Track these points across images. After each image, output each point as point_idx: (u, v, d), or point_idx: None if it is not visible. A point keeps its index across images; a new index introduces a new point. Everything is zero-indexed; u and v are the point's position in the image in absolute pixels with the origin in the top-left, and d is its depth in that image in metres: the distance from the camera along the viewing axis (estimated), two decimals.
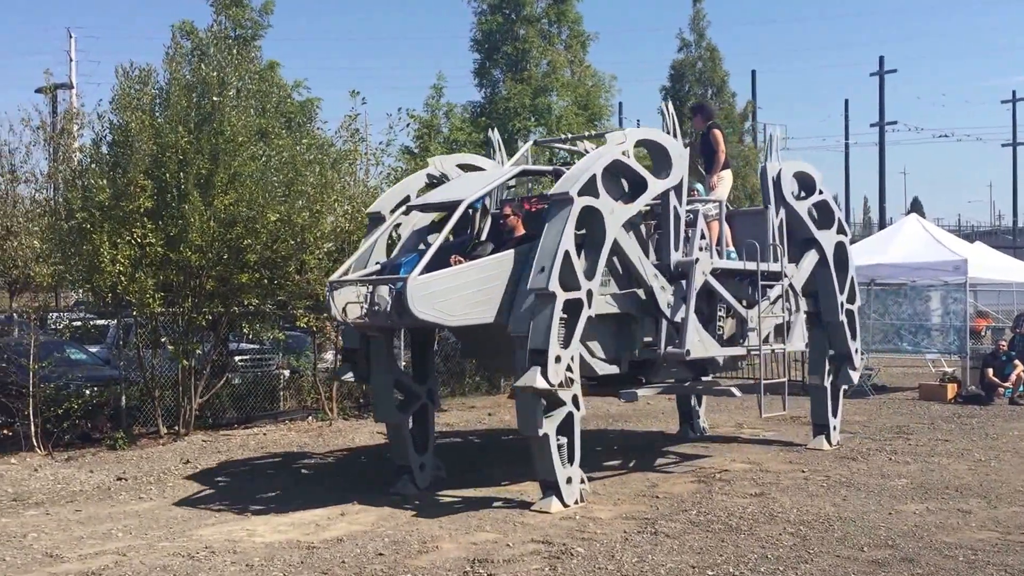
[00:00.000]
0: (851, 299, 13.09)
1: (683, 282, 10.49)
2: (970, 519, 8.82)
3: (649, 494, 10.12)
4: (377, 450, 13.57)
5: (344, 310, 9.27)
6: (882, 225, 53.00)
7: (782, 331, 11.96)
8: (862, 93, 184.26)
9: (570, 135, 12.91)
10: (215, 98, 13.95)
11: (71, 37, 38.56)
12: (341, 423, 16.18)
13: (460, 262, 9.43)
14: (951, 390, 18.41)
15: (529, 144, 12.27)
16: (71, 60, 38.28)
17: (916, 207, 72.98)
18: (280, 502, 9.75)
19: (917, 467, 11.40)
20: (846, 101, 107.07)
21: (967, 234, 55.72)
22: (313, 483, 11.09)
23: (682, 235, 10.56)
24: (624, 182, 10.18)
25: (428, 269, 8.94)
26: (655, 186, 10.19)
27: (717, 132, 12.07)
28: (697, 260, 10.51)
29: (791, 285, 12.02)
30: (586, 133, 11.27)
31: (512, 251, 9.46)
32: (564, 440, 9.36)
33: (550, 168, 11.51)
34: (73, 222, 13.88)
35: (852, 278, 13.11)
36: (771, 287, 11.72)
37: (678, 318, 10.39)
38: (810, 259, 12.46)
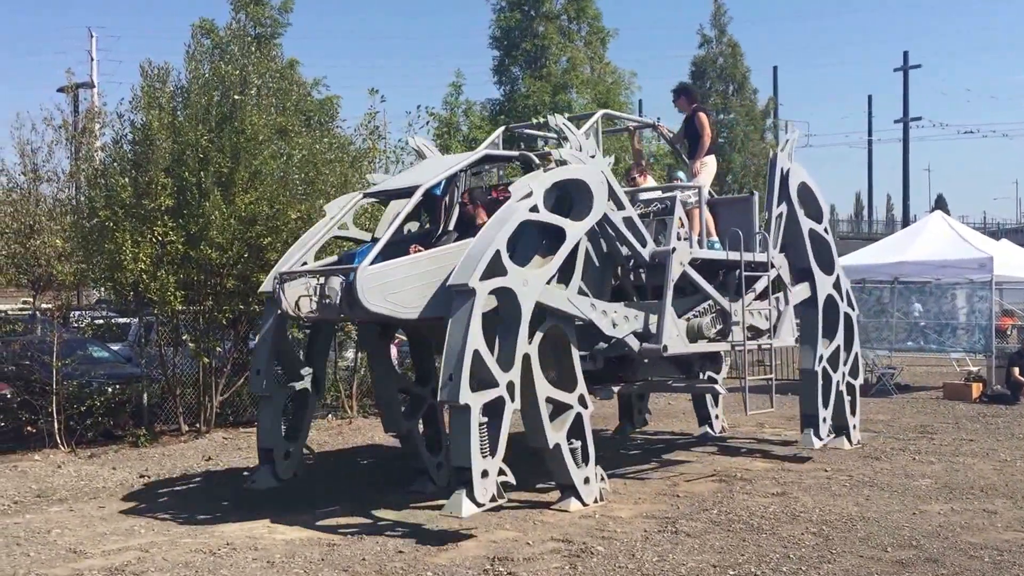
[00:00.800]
0: (834, 363, 12.18)
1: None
2: (996, 519, 8.73)
3: (669, 493, 10.07)
4: (397, 448, 13.56)
5: (297, 304, 8.77)
6: (906, 223, 52.72)
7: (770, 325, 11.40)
8: (886, 89, 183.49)
9: (541, 119, 11.99)
10: (235, 96, 14.00)
11: (92, 36, 38.89)
12: (361, 421, 16.21)
13: (420, 252, 8.98)
14: (976, 389, 18.26)
15: (500, 131, 11.67)
16: (92, 59, 38.60)
17: (940, 204, 72.63)
18: (300, 499, 9.76)
19: (941, 467, 11.30)
20: (869, 97, 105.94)
21: (992, 231, 55.26)
22: (333, 481, 11.10)
23: (635, 237, 9.88)
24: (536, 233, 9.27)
25: (387, 260, 8.54)
26: (575, 230, 9.19)
27: (703, 115, 11.69)
28: (674, 250, 10.03)
29: (780, 277, 11.60)
30: (553, 117, 10.42)
31: (469, 241, 8.82)
32: (577, 443, 9.19)
33: (516, 153, 10.93)
34: (95, 220, 13.96)
35: (839, 346, 12.27)
36: (757, 279, 11.26)
37: (654, 313, 9.99)
38: (799, 292, 11.92)
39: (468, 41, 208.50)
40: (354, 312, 8.43)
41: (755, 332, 11.29)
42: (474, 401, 8.04)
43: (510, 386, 8.38)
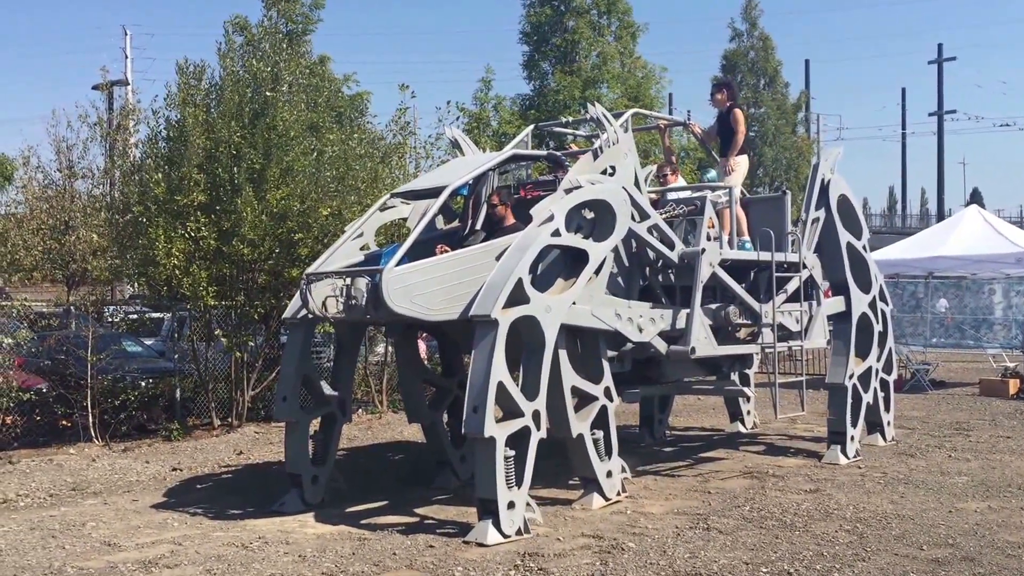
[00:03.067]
0: (865, 383, 11.92)
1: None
2: None
3: (701, 489, 10.02)
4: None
5: (324, 304, 8.68)
6: (940, 217, 52.26)
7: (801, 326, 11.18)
8: (920, 82, 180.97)
9: (570, 119, 11.85)
10: (267, 93, 14.06)
11: (127, 34, 39.19)
12: (391, 416, 16.25)
13: (447, 252, 8.85)
14: (1013, 386, 18.02)
15: (529, 129, 11.55)
16: (127, 57, 38.90)
17: (976, 198, 71.60)
18: (331, 494, 9.78)
19: (978, 464, 11.17)
20: (903, 90, 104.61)
21: None
22: (363, 475, 11.13)
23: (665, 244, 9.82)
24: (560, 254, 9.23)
25: (414, 260, 8.45)
26: (598, 251, 9.11)
27: (739, 113, 11.41)
28: (703, 251, 9.88)
29: (811, 277, 11.32)
30: (585, 116, 10.22)
31: (496, 242, 8.77)
32: (600, 434, 9.12)
33: (544, 152, 10.78)
34: (129, 216, 14.09)
35: (872, 367, 12.07)
36: (788, 280, 11.01)
37: (682, 315, 9.89)
38: (833, 304, 11.81)
39: (498, 36, 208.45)
40: (379, 313, 8.31)
41: (786, 332, 11.10)
42: (499, 433, 8.00)
43: (535, 415, 8.30)
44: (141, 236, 13.71)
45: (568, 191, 9.26)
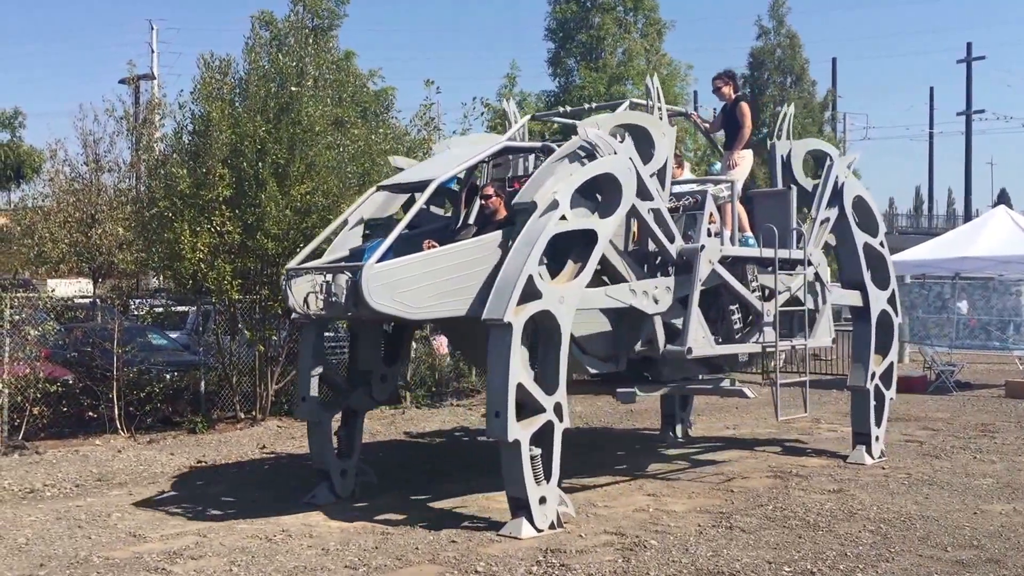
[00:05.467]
0: (887, 381, 11.73)
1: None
2: None
3: (724, 488, 9.99)
4: (450, 438, 13.63)
5: (306, 301, 8.32)
6: (967, 217, 51.83)
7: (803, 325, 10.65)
8: (948, 81, 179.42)
9: (568, 108, 11.23)
10: (293, 88, 14.09)
11: (153, 28, 39.47)
12: (414, 411, 16.29)
13: (434, 247, 8.49)
14: None
15: (526, 119, 11.08)
16: (153, 51, 39.19)
17: (1004, 198, 70.95)
18: (361, 487, 9.79)
19: (1003, 466, 11.08)
20: (931, 89, 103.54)
21: None
22: (386, 470, 11.16)
23: (664, 231, 9.35)
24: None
25: (400, 256, 8.15)
26: (605, 229, 8.70)
27: (745, 106, 11.12)
28: (703, 247, 9.39)
29: (817, 274, 10.86)
30: (586, 106, 9.70)
31: (489, 236, 8.47)
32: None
33: (538, 144, 10.12)
34: (155, 210, 14.16)
35: (892, 363, 11.82)
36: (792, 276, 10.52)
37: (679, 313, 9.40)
38: (848, 296, 11.56)
39: (523, 33, 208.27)
40: (360, 311, 8.03)
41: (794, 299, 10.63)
42: (523, 434, 7.92)
43: (557, 408, 8.18)
44: (166, 230, 13.78)
45: (572, 158, 8.82)
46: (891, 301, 11.88)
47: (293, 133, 13.83)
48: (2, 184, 25.91)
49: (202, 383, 14.81)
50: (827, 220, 11.21)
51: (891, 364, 11.85)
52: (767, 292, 10.44)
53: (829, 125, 42.94)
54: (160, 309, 18.29)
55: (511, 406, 7.82)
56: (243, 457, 12.04)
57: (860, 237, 11.55)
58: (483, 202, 9.39)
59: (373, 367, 9.87)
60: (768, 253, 10.17)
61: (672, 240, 9.40)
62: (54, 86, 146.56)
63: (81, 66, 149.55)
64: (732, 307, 10.22)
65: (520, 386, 7.91)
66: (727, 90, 11.30)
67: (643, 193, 9.12)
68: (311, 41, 15.63)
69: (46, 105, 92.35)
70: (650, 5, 30.45)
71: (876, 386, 11.54)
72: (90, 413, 13.81)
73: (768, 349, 10.38)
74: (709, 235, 9.63)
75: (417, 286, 8.00)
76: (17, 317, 12.99)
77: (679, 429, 13.34)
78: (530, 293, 8.03)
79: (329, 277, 8.24)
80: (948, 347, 20.03)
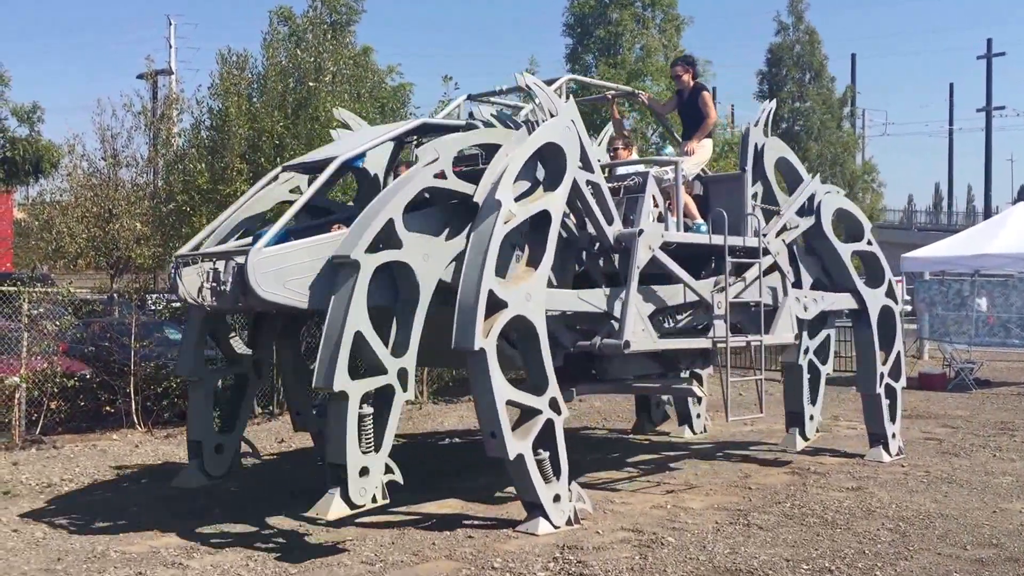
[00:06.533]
0: (896, 374, 11.52)
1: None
2: None
3: (741, 485, 9.94)
4: (467, 435, 13.61)
5: (200, 290, 7.58)
6: (987, 214, 51.56)
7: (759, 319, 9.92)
8: (968, 77, 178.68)
9: (504, 87, 10.62)
10: (311, 83, 14.12)
11: (171, 24, 39.62)
12: (431, 407, 16.28)
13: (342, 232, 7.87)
14: None
15: (463, 98, 10.61)
16: (171, 47, 39.32)
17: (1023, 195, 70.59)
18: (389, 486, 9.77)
19: (1023, 464, 10.99)
20: (951, 85, 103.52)
21: None
22: (402, 465, 11.14)
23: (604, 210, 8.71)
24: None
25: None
26: (557, 203, 8.17)
27: (707, 95, 10.64)
28: (641, 232, 8.68)
29: (777, 265, 10.22)
30: (522, 75, 9.17)
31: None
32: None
33: (461, 122, 9.43)
34: (173, 205, 14.22)
35: (899, 353, 11.57)
36: (748, 266, 9.95)
37: (618, 304, 8.72)
38: (842, 298, 11.17)
39: (541, 28, 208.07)
40: (248, 300, 7.42)
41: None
42: (524, 446, 7.69)
43: (552, 403, 7.96)
44: (184, 224, 13.83)
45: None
46: (889, 293, 11.58)
47: (311, 129, 13.87)
48: (20, 179, 26.04)
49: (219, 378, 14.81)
50: (797, 227, 10.67)
51: (898, 355, 11.61)
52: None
53: (848, 121, 42.74)
54: (177, 304, 18.32)
55: (505, 424, 7.60)
56: (262, 451, 12.04)
57: (847, 249, 11.21)
58: None
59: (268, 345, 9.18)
60: (718, 240, 9.42)
61: (611, 222, 8.75)
62: (72, 81, 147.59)
63: (99, 61, 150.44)
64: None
65: (510, 400, 7.71)
66: (687, 78, 10.82)
67: (586, 163, 8.56)
68: (329, 37, 15.68)
69: (64, 100, 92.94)
70: (668, 1, 30.39)
71: (886, 385, 11.38)
72: (107, 408, 13.84)
73: (719, 344, 9.58)
74: (651, 220, 9.05)
75: (309, 274, 7.44)
76: (35, 312, 13.04)
77: (695, 424, 13.17)
78: (494, 305, 7.64)
79: (220, 264, 7.55)
80: (967, 344, 19.89)
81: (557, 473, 8.09)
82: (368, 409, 7.30)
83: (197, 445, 8.45)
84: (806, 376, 10.97)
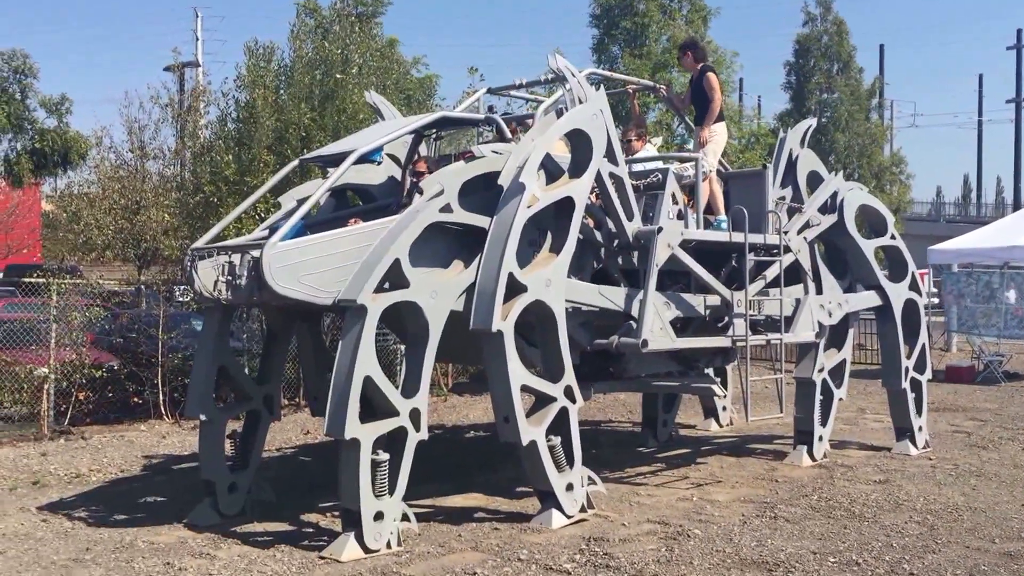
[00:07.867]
0: (920, 367, 11.41)
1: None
2: None
3: (768, 478, 9.89)
4: (491, 428, 13.59)
5: (216, 284, 7.44)
6: (1017, 206, 51.04)
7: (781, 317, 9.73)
8: (997, 67, 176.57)
9: (524, 80, 10.41)
10: (337, 75, 14.13)
11: (198, 16, 39.73)
12: (455, 399, 16.30)
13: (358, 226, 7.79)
14: None
15: (481, 92, 10.54)
16: (198, 39, 39.42)
17: None
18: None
19: None
20: (980, 76, 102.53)
21: None
22: (427, 457, 11.16)
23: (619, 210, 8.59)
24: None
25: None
26: (581, 190, 8.11)
27: (712, 76, 10.16)
28: (660, 229, 8.58)
29: (798, 263, 10.07)
30: (541, 78, 9.25)
31: (397, 218, 7.71)
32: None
33: (480, 116, 9.40)
34: (200, 196, 14.27)
35: (924, 346, 11.46)
36: (769, 264, 9.81)
37: (636, 303, 8.62)
38: (866, 299, 11.07)
39: (567, 19, 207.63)
40: (264, 295, 7.27)
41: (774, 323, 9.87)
42: (537, 432, 7.71)
43: (568, 391, 7.95)
44: (211, 216, 13.88)
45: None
46: (912, 287, 11.45)
47: (337, 120, 13.88)
48: (49, 170, 26.26)
49: (245, 369, 14.88)
50: (819, 224, 10.50)
51: (923, 347, 11.49)
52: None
53: (876, 112, 42.37)
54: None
55: (519, 409, 7.60)
56: (287, 443, 12.11)
57: (870, 245, 11.11)
58: (413, 179, 8.80)
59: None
60: (738, 237, 9.34)
61: (631, 219, 8.67)
62: (100, 73, 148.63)
63: (127, 53, 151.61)
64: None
65: (524, 386, 7.72)
66: (688, 61, 10.52)
67: (611, 155, 8.44)
68: (356, 28, 15.68)
69: (92, 92, 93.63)
70: None
71: (912, 378, 11.26)
72: (135, 399, 13.94)
73: (739, 343, 9.48)
74: (670, 217, 8.89)
75: (327, 268, 7.30)
76: (64, 303, 13.14)
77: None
78: (514, 288, 7.62)
79: (235, 258, 7.41)
80: (996, 337, 19.70)
81: (571, 462, 8.08)
82: (384, 456, 7.26)
83: (210, 485, 8.28)
84: (819, 396, 10.73)
